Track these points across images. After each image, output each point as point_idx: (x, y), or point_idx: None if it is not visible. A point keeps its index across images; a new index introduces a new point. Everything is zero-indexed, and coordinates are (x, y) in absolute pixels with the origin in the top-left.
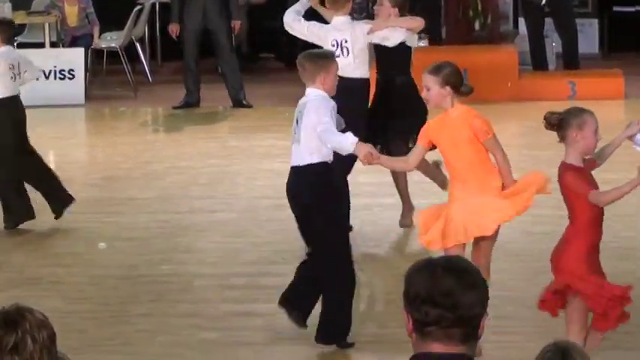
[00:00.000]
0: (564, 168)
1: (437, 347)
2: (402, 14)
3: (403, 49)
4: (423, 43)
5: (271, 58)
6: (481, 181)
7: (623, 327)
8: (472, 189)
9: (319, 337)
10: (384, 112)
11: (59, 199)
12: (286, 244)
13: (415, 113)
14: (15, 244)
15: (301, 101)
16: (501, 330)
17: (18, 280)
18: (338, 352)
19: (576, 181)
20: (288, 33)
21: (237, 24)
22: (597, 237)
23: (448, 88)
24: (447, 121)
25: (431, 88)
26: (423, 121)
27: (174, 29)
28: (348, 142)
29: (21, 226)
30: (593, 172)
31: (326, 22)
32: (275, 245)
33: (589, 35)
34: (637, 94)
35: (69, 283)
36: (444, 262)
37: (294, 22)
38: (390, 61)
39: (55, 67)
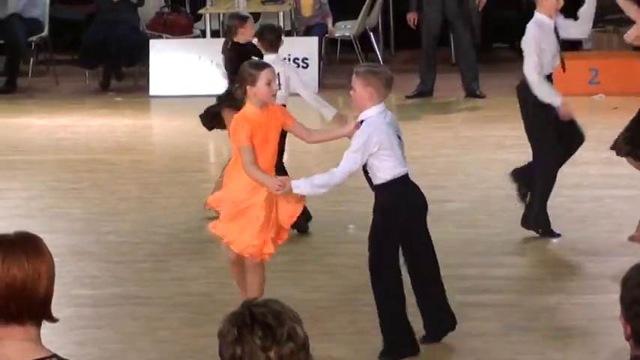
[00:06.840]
0: None
1: None
2: None
3: None
4: None
5: (504, 48)
6: None
7: None
8: None
9: None
10: None
11: None
12: (519, 234)
13: None
14: None
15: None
16: None
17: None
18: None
19: None
20: (521, 22)
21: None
22: None
23: None
24: None
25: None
26: None
27: (412, 17)
28: None
29: None
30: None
31: None
32: (507, 236)
33: None
34: None
35: (302, 271)
36: None
37: None
38: None
39: (289, 55)
